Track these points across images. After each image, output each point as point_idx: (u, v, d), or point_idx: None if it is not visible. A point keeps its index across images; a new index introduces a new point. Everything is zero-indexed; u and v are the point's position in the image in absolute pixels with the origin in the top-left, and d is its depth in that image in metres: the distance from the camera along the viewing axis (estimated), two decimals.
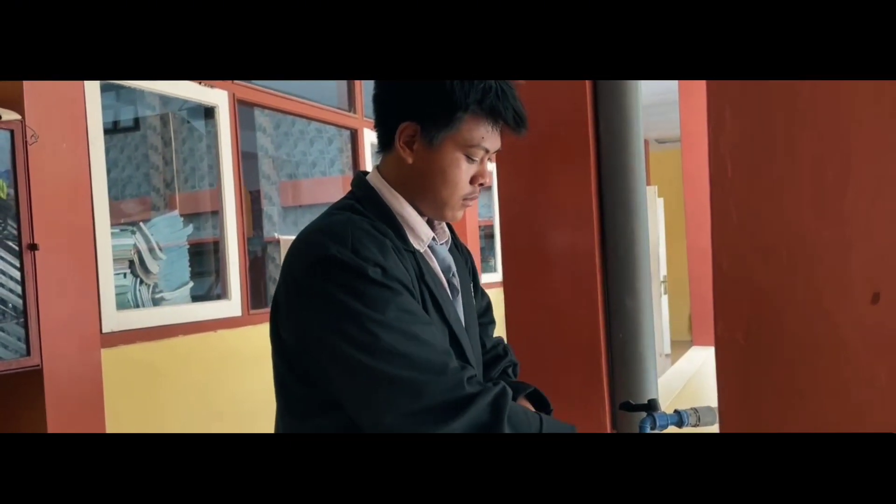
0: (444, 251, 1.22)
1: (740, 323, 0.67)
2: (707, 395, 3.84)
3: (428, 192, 1.15)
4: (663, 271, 7.73)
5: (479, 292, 1.39)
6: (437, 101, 1.09)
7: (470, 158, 1.13)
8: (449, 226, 1.29)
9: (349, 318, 1.01)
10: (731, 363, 0.69)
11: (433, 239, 1.18)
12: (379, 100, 1.18)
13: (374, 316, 1.01)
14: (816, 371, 0.62)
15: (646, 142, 8.74)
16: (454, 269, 1.23)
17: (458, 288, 1.22)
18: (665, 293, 7.85)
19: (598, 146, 1.67)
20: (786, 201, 0.62)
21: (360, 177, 1.21)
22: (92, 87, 2.56)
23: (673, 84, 5.25)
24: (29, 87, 2.20)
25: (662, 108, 6.63)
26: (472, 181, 1.15)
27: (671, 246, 8.05)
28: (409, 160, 1.13)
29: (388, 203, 1.16)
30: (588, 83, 1.66)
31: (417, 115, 1.11)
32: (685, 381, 3.36)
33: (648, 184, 8.24)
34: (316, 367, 1.06)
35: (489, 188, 6.23)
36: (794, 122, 0.61)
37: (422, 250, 1.16)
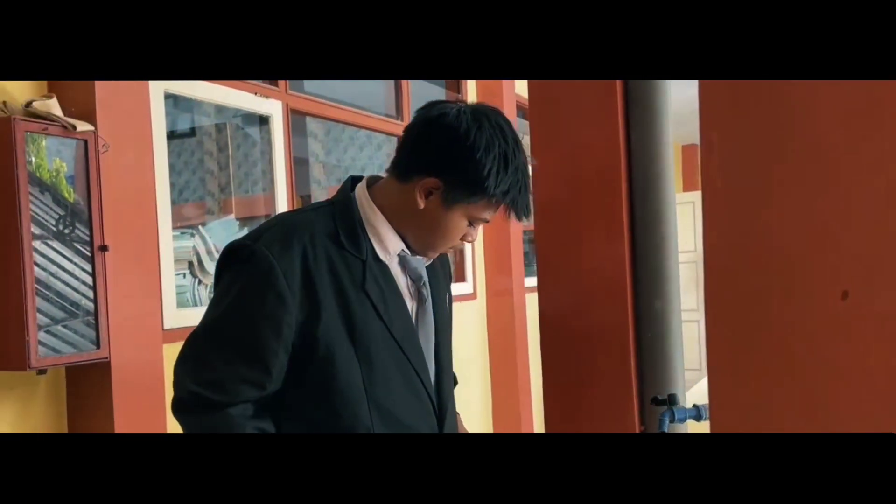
0: (417, 262, 1.31)
1: (730, 322, 0.75)
2: None
3: (422, 236, 1.28)
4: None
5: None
6: (472, 178, 1.20)
7: (470, 223, 1.28)
8: None
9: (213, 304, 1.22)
10: (722, 361, 0.77)
11: (404, 251, 1.28)
12: (415, 138, 1.26)
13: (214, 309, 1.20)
14: (793, 362, 0.70)
15: (692, 146, 8.63)
16: (426, 279, 1.33)
17: (427, 297, 1.33)
18: None
19: (629, 150, 1.74)
20: (767, 210, 0.71)
21: (346, 184, 1.32)
22: (156, 98, 2.73)
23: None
24: (101, 99, 2.38)
25: (690, 111, 6.58)
26: (462, 238, 1.30)
27: None
28: (421, 206, 1.23)
29: (363, 215, 1.26)
30: (619, 88, 1.74)
31: (447, 177, 1.22)
32: None
33: (690, 189, 8.14)
34: None
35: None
36: (775, 142, 0.70)
37: (387, 260, 1.26)
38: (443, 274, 1.43)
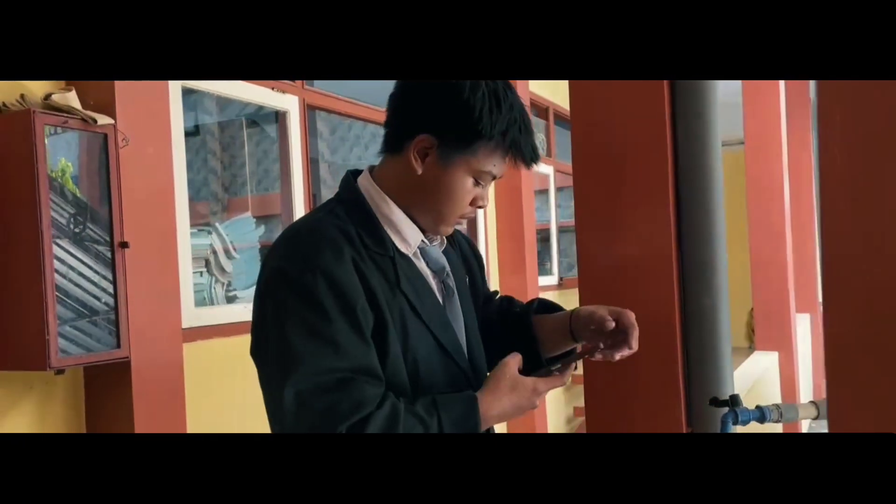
0: (436, 252, 1.23)
1: (852, 319, 0.69)
2: (772, 400, 3.79)
3: (429, 205, 1.16)
4: None
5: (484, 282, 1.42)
6: (463, 122, 1.10)
7: (477, 182, 1.15)
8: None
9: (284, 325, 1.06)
10: (842, 361, 0.72)
11: (423, 241, 1.20)
12: (399, 102, 1.17)
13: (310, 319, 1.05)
14: None
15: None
16: (448, 269, 1.25)
17: (454, 288, 1.24)
18: None
19: (676, 145, 1.69)
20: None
21: (347, 179, 1.22)
22: (175, 93, 2.68)
23: (733, 86, 5.19)
24: (120, 93, 2.32)
25: (722, 110, 6.55)
26: (472, 202, 1.17)
27: (729, 251, 7.92)
28: (419, 171, 1.13)
29: (376, 208, 1.17)
30: (665, 84, 1.68)
31: (438, 130, 1.12)
32: (749, 386, 3.33)
33: None
34: None
35: (548, 191, 6.25)
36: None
37: (409, 253, 1.17)
38: (458, 260, 1.32)
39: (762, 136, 4.28)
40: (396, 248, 1.17)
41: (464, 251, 1.38)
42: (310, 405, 1.03)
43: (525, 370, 1.15)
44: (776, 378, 4.17)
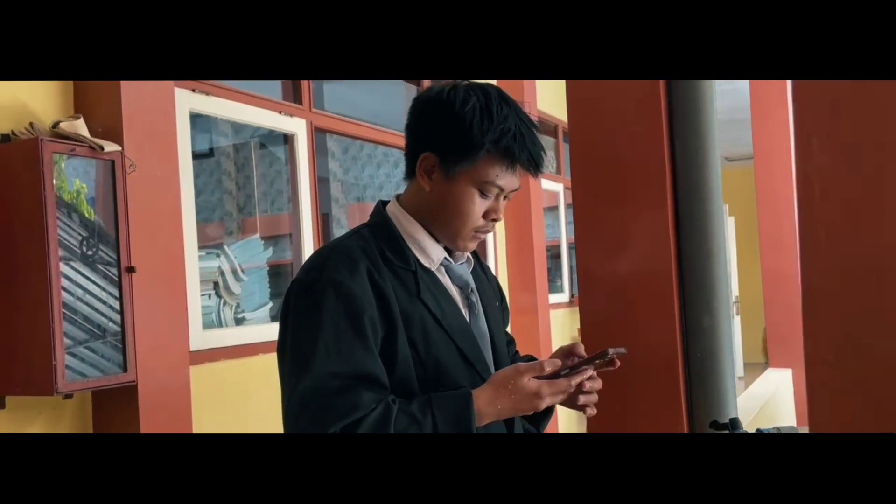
0: (461, 269, 1.28)
1: (830, 342, 0.69)
2: (785, 418, 3.74)
3: (441, 221, 1.22)
4: (735, 292, 7.56)
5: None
6: (457, 135, 1.16)
7: (483, 194, 1.19)
8: (475, 253, 1.36)
9: (294, 333, 1.15)
10: (821, 382, 0.71)
11: (447, 259, 1.25)
12: (408, 129, 1.26)
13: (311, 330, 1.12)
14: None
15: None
16: (472, 285, 1.29)
17: (478, 304, 1.29)
18: (737, 314, 7.67)
19: (674, 164, 1.69)
20: (874, 225, 0.65)
21: (378, 206, 1.30)
22: (182, 117, 2.71)
23: (743, 101, 5.18)
24: (127, 118, 2.36)
25: (732, 125, 6.53)
26: (486, 216, 1.21)
27: (743, 266, 7.86)
28: (427, 188, 1.20)
29: (401, 227, 1.24)
30: (663, 100, 1.68)
31: (437, 146, 1.18)
32: (761, 404, 3.29)
33: None
34: None
35: (554, 209, 6.24)
36: (882, 148, 0.64)
37: (433, 268, 1.23)
38: (489, 285, 1.39)
39: (771, 151, 4.26)
40: (420, 262, 1.22)
41: (494, 285, 1.43)
42: (310, 407, 1.10)
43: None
44: (790, 395, 4.12)
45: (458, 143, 1.16)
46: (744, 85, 5.07)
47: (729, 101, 5.91)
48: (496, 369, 1.27)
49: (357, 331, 1.12)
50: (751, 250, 5.60)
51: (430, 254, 1.23)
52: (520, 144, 1.17)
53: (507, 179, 1.19)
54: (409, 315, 1.17)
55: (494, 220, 1.22)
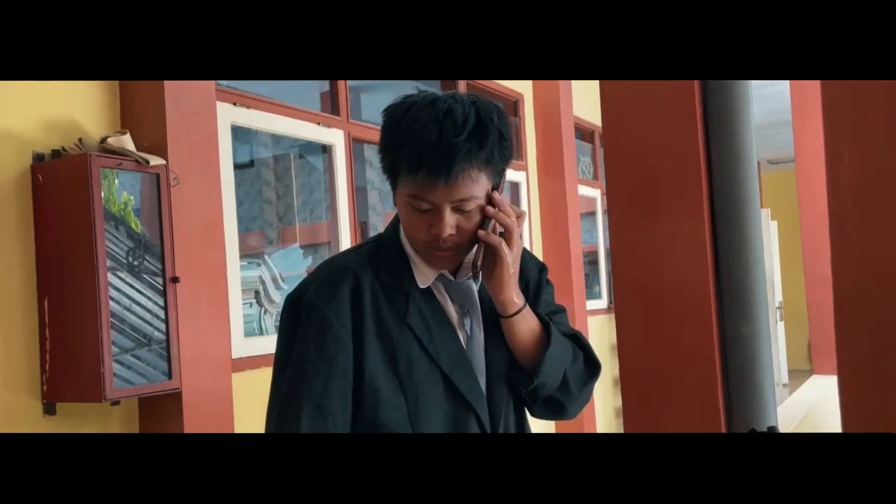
0: (461, 286, 1.24)
1: (864, 352, 0.69)
2: (830, 426, 3.65)
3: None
4: (779, 297, 7.41)
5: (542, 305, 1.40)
6: (381, 155, 1.19)
7: (414, 208, 1.15)
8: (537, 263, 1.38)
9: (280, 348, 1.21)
10: (855, 392, 0.71)
11: (446, 276, 1.22)
12: None
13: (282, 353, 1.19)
14: None
15: (758, 163, 8.44)
16: (471, 305, 1.25)
17: (471, 327, 1.24)
18: (781, 320, 7.52)
19: (710, 170, 1.67)
20: None
21: (395, 218, 1.28)
22: (224, 131, 2.78)
23: (786, 103, 5.09)
24: (171, 133, 2.43)
25: (775, 128, 6.43)
26: (430, 231, 1.15)
27: (787, 271, 7.71)
28: (396, 206, 1.23)
29: (404, 243, 1.24)
30: (698, 104, 1.67)
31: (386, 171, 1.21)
32: (805, 412, 3.23)
33: (762, 206, 7.94)
34: None
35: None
36: None
37: (423, 286, 1.20)
38: (534, 289, 1.40)
39: (813, 154, 4.19)
40: (415, 282, 1.21)
41: (529, 278, 1.40)
42: (267, 422, 1.20)
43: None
44: (835, 402, 4.01)
45: (382, 159, 1.20)
46: (787, 86, 4.98)
47: (773, 102, 5.82)
48: (490, 394, 1.23)
49: (323, 358, 1.15)
50: (795, 255, 5.49)
51: (423, 271, 1.22)
52: (408, 148, 1.11)
53: (429, 192, 1.12)
54: (394, 341, 1.17)
55: (446, 236, 1.14)
